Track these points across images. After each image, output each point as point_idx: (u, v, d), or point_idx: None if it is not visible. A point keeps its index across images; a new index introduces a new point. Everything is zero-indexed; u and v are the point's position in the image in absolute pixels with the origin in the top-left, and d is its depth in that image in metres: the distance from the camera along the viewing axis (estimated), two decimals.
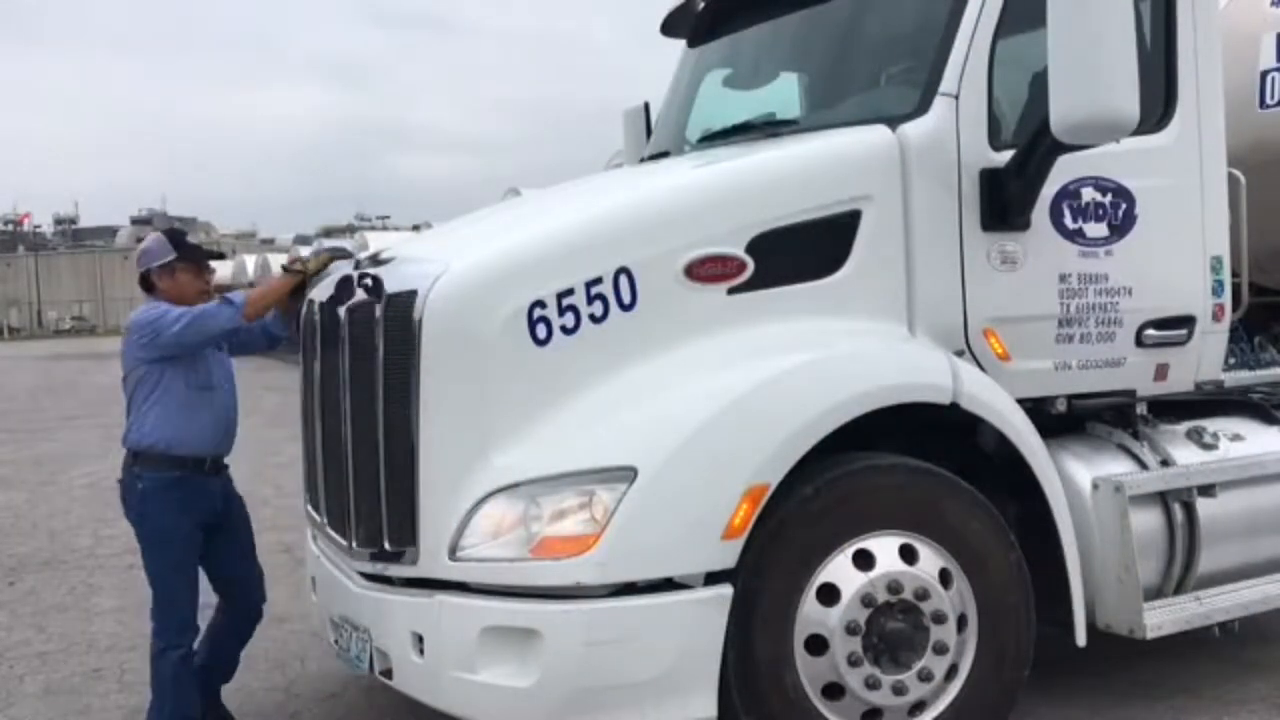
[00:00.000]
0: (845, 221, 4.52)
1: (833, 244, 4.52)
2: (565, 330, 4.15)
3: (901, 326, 4.57)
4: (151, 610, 4.79)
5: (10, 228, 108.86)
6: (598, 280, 4.20)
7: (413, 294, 4.19)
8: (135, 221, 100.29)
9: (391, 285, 4.35)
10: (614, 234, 4.36)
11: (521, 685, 3.91)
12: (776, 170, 4.66)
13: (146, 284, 4.94)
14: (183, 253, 4.92)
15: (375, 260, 4.68)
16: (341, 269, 4.80)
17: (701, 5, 5.81)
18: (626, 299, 4.24)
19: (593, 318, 4.19)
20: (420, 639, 4.15)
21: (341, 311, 4.60)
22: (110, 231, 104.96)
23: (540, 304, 4.12)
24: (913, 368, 4.43)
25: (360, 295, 4.49)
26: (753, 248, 4.39)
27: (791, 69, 5.62)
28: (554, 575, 3.89)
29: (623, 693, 3.91)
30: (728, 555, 3.94)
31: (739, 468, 3.96)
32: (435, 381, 4.10)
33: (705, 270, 4.33)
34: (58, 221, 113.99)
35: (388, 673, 4.35)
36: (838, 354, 4.37)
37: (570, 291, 4.16)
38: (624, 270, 4.23)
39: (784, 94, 5.55)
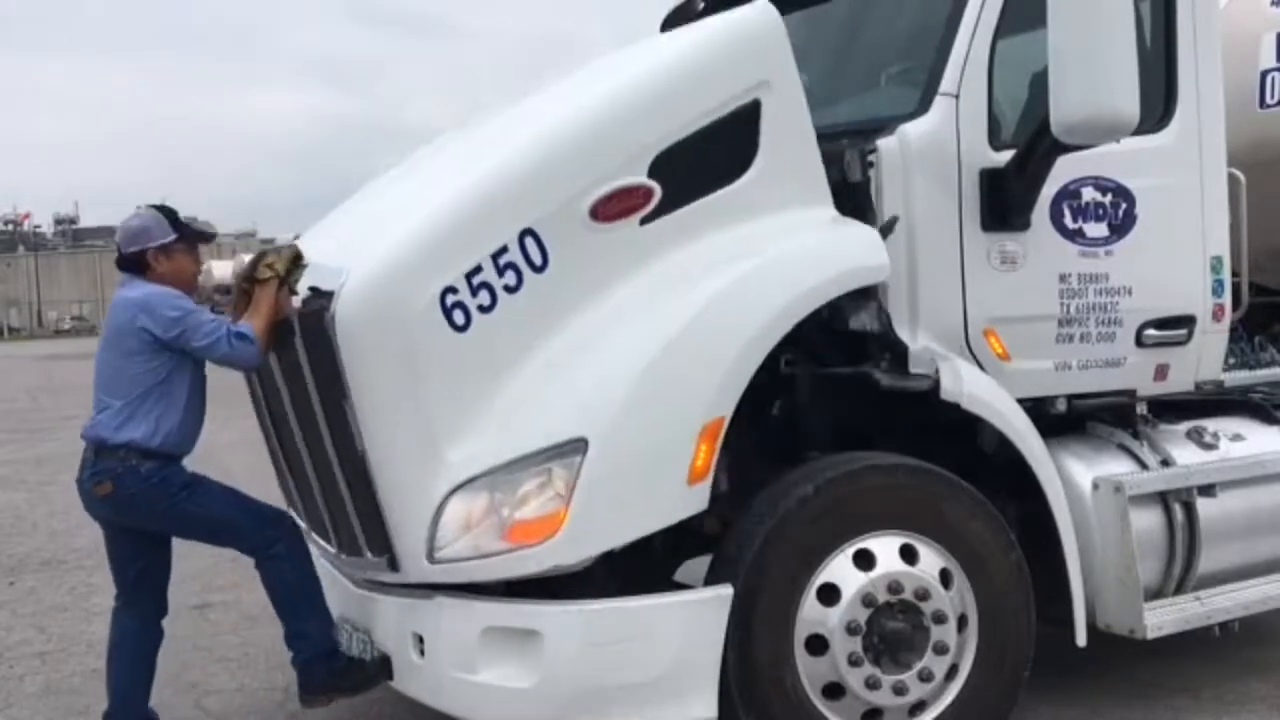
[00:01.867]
0: (745, 115, 4.35)
1: (738, 143, 4.35)
2: (483, 309, 4.01)
3: (825, 208, 4.43)
4: (239, 542, 4.62)
5: (10, 228, 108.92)
6: (503, 250, 4.03)
7: (321, 311, 4.07)
8: None
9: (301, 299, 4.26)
10: (507, 195, 4.12)
11: (522, 686, 3.91)
12: (659, 83, 4.40)
13: (136, 263, 4.65)
14: (183, 234, 4.73)
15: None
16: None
17: (701, 5, 5.80)
18: (537, 260, 4.07)
19: (508, 289, 4.03)
20: (420, 639, 4.15)
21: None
22: (110, 231, 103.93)
23: (451, 290, 3.97)
24: (842, 256, 4.32)
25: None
26: (655, 170, 4.20)
27: None
28: (532, 563, 3.87)
29: (623, 693, 3.91)
30: (697, 499, 3.94)
31: (688, 409, 3.93)
32: (366, 392, 3.99)
33: (611, 208, 4.15)
34: (58, 221, 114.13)
35: (388, 673, 4.35)
36: (763, 262, 4.22)
37: (478, 269, 4.00)
38: (527, 232, 4.05)
39: None
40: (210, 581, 7.87)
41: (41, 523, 10.59)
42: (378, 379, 3.97)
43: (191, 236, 4.80)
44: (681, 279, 4.14)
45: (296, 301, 4.35)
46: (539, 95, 5.11)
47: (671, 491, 3.91)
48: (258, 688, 5.75)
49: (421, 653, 4.15)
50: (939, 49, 4.62)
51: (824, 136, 4.76)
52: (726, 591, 3.97)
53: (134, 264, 4.66)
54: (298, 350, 4.28)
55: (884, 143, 4.50)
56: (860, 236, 4.41)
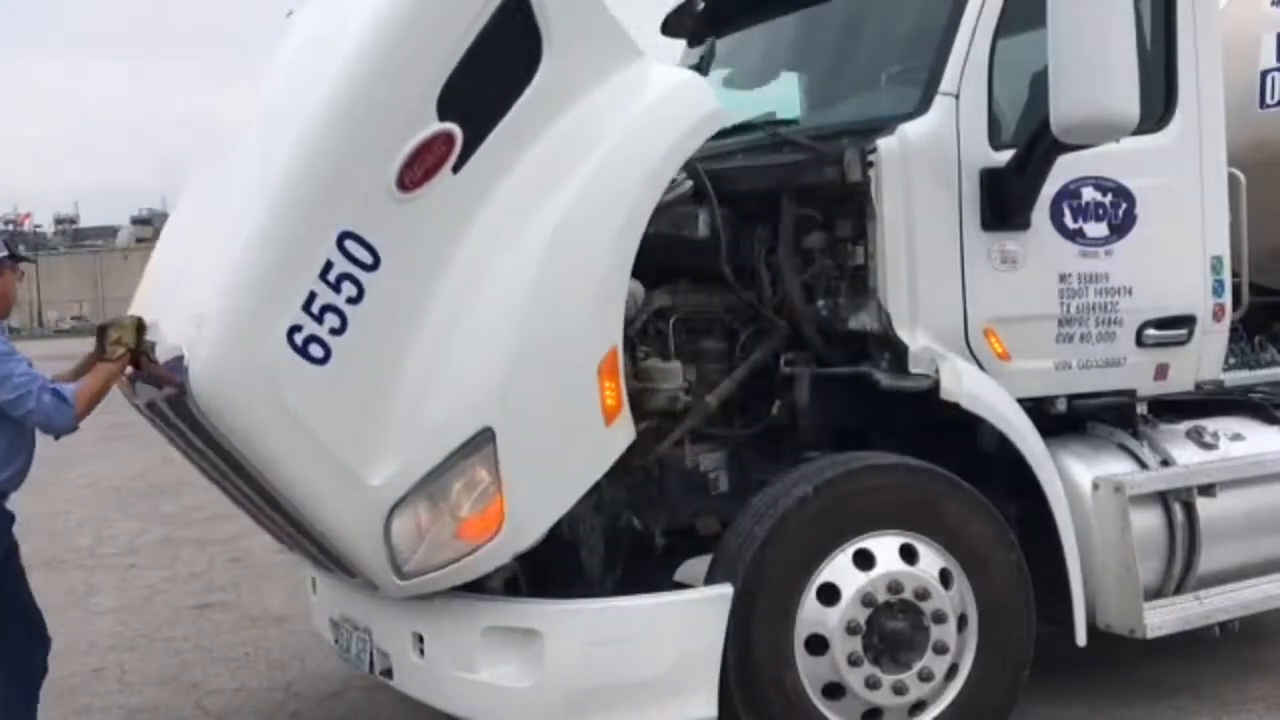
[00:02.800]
0: (513, 8, 3.96)
1: (517, 41, 3.98)
2: (336, 332, 3.74)
3: (633, 64, 4.14)
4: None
5: (10, 228, 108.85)
6: (328, 266, 3.72)
7: (181, 396, 3.87)
8: (135, 221, 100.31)
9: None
10: (307, 207, 3.77)
11: (522, 685, 3.91)
12: (404, 16, 3.93)
13: None
14: (12, 253, 4.36)
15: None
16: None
17: (701, 5, 5.80)
18: (368, 260, 3.77)
19: (352, 301, 3.75)
20: (420, 639, 4.15)
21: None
22: (110, 231, 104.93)
23: (295, 328, 3.68)
24: (673, 119, 4.07)
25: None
26: (444, 111, 3.85)
27: (791, 68, 5.61)
28: (496, 556, 3.85)
29: (623, 693, 3.91)
30: (622, 435, 3.92)
31: (576, 355, 3.83)
32: (259, 456, 3.80)
33: (416, 172, 3.83)
34: (58, 221, 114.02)
35: (388, 672, 4.35)
36: (593, 166, 3.94)
37: (313, 296, 3.70)
38: (344, 235, 3.73)
39: (784, 93, 5.54)
40: (211, 581, 7.88)
41: (41, 523, 10.58)
42: (263, 442, 3.76)
43: (18, 257, 4.43)
44: (519, 212, 3.89)
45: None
46: (293, 63, 4.50)
47: (593, 440, 3.86)
48: (258, 688, 5.75)
49: (421, 652, 4.15)
50: (939, 48, 4.62)
51: (824, 136, 4.78)
52: (726, 591, 3.97)
53: None
54: (183, 429, 4.14)
55: (884, 142, 4.49)
56: (683, 88, 4.19)
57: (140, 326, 4.17)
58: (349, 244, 3.75)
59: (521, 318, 3.83)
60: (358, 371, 3.77)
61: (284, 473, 3.82)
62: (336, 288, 3.73)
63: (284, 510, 4.07)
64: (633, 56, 4.19)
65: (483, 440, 3.77)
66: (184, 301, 4.04)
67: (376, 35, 3.91)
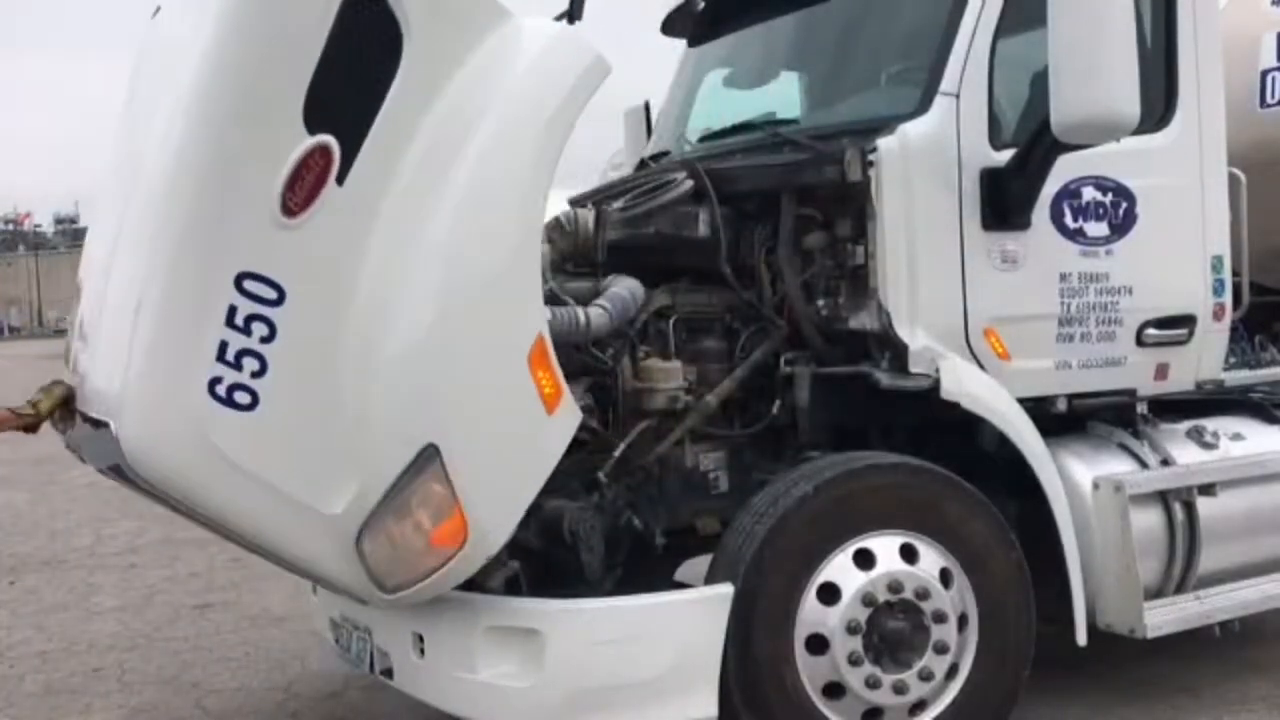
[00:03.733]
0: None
1: (374, 30, 3.71)
2: (257, 375, 3.60)
3: (503, 25, 3.90)
4: None
5: (10, 227, 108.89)
6: (232, 311, 3.55)
7: (119, 468, 3.77)
8: None
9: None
10: (195, 258, 3.59)
11: (522, 685, 3.91)
12: (247, 25, 3.63)
13: None
14: None
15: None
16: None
17: (701, 5, 5.80)
18: (272, 296, 3.60)
19: (266, 340, 3.60)
20: (421, 639, 4.15)
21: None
22: None
23: (215, 380, 3.56)
24: (555, 84, 3.86)
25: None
26: (314, 123, 3.61)
27: (792, 68, 5.61)
28: (468, 564, 3.81)
29: (623, 692, 3.91)
30: (567, 422, 3.88)
31: (502, 354, 3.67)
32: (212, 509, 3.75)
33: (299, 194, 3.61)
34: (58, 221, 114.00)
35: (388, 672, 4.35)
36: (478, 151, 3.76)
37: (224, 345, 3.56)
38: (242, 276, 3.56)
39: (784, 93, 5.55)
40: (211, 581, 7.88)
41: (41, 523, 10.60)
42: (213, 496, 3.70)
43: None
44: (414, 215, 3.70)
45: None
46: (153, 97, 4.10)
47: (540, 432, 3.81)
48: (258, 688, 5.74)
49: (422, 652, 4.15)
50: (939, 48, 4.62)
51: (824, 136, 4.78)
52: (726, 591, 3.97)
53: None
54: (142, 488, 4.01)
55: (884, 142, 4.49)
56: (560, 42, 4.02)
57: (67, 400, 4.07)
58: (248, 284, 3.57)
59: (439, 324, 3.69)
60: (290, 408, 3.65)
61: (243, 520, 3.78)
62: (246, 331, 3.58)
63: (259, 548, 4.05)
64: (499, 18, 3.92)
65: (428, 458, 3.68)
66: (102, 363, 3.88)
67: (221, 70, 3.64)
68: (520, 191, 3.61)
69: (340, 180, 3.66)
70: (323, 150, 3.62)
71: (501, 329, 3.64)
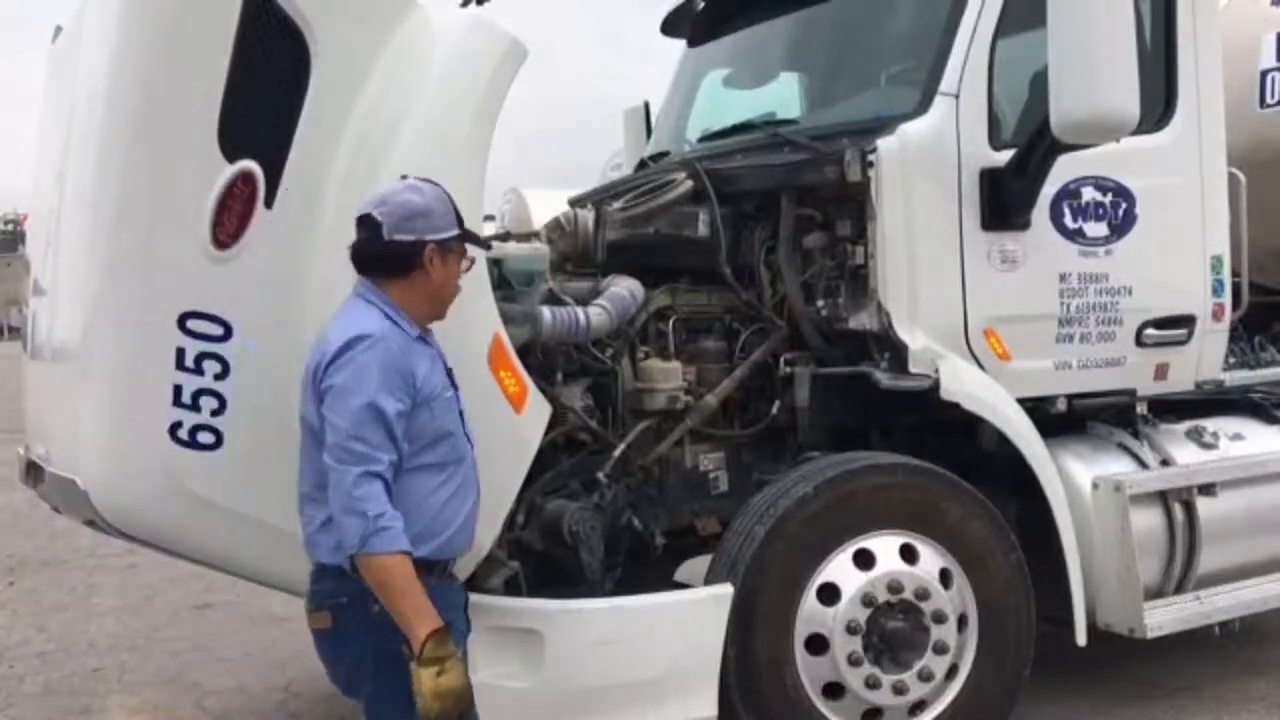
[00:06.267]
0: (256, 8, 3.55)
1: (275, 42, 3.58)
2: (217, 412, 3.55)
3: (410, 15, 3.79)
4: None
5: (10, 228, 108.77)
6: (181, 354, 3.50)
7: (94, 522, 3.82)
8: None
9: None
10: (135, 307, 3.54)
11: (522, 685, 3.90)
12: (145, 52, 3.54)
13: (397, 261, 3.13)
14: (464, 231, 3.27)
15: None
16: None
17: (701, 5, 5.81)
18: (217, 331, 3.53)
19: (219, 377, 3.54)
20: None
21: None
22: None
23: (176, 425, 3.52)
24: (472, 72, 3.77)
25: None
26: (231, 149, 3.51)
27: (791, 69, 5.62)
28: (461, 571, 3.73)
29: (623, 692, 3.91)
30: (537, 418, 3.90)
31: (460, 355, 3.47)
32: (197, 552, 3.83)
33: (229, 225, 3.52)
34: None
35: None
36: (408, 142, 3.68)
37: (179, 389, 3.51)
38: (185, 316, 3.50)
39: (784, 93, 5.55)
40: (211, 581, 7.86)
41: (41, 523, 10.56)
42: (194, 538, 3.72)
43: (470, 238, 3.34)
44: (350, 227, 3.37)
45: None
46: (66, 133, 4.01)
47: (510, 432, 3.83)
48: (258, 688, 5.75)
49: None
50: (939, 48, 4.62)
51: (824, 136, 4.78)
52: (726, 591, 3.97)
53: (393, 262, 3.15)
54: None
55: (884, 142, 4.49)
56: (474, 28, 3.95)
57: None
58: (192, 323, 3.51)
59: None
60: (256, 439, 3.59)
61: (230, 555, 3.83)
62: (199, 370, 3.52)
63: (249, 577, 4.08)
64: (406, 8, 3.80)
65: None
66: (64, 418, 3.89)
67: (126, 114, 3.58)
68: (453, 190, 3.36)
69: (269, 204, 3.58)
70: (245, 177, 3.54)
71: (455, 333, 3.47)
